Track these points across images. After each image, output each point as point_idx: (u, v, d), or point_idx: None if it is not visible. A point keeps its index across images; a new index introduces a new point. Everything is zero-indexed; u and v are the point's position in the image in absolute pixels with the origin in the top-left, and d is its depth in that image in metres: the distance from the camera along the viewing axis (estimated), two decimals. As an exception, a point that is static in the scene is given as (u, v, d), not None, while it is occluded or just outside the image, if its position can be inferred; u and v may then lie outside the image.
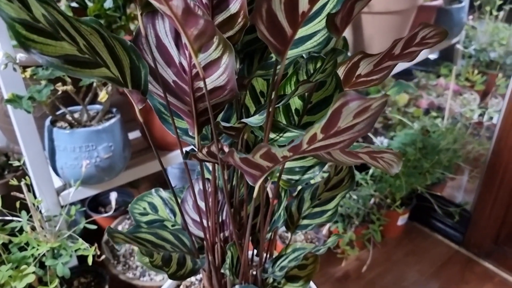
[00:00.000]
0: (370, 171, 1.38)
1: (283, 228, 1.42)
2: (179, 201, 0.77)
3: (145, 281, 1.20)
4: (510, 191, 1.31)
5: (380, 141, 1.60)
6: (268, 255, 0.84)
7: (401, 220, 1.52)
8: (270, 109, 0.53)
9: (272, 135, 0.58)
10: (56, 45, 0.42)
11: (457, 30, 2.06)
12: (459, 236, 1.50)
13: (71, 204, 1.11)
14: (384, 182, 1.35)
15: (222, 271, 0.69)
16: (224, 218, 0.76)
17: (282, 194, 0.77)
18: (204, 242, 0.72)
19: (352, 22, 1.51)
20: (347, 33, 1.57)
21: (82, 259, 1.08)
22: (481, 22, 2.36)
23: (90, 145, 1.05)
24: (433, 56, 2.45)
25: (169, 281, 0.94)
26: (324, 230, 1.38)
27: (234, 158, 0.45)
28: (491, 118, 1.80)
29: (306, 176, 0.69)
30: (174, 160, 1.30)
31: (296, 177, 0.70)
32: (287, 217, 0.78)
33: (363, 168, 1.42)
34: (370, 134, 1.50)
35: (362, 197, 1.35)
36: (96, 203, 1.54)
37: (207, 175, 0.79)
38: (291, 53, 0.55)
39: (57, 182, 1.13)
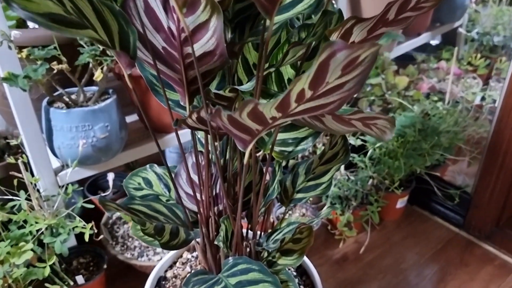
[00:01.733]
0: (369, 153, 1.38)
1: (280, 210, 1.42)
2: (173, 175, 0.78)
3: (143, 261, 1.21)
4: (511, 173, 1.31)
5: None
6: (263, 230, 0.84)
7: (400, 203, 1.52)
8: (260, 74, 0.52)
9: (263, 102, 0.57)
10: (40, 3, 0.42)
11: (460, 13, 2.04)
12: (459, 219, 1.50)
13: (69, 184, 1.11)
14: (383, 164, 1.34)
15: (215, 243, 0.70)
16: (217, 191, 0.76)
17: (276, 168, 0.77)
18: (198, 216, 0.73)
19: None
20: (344, 5, 1.55)
21: (81, 240, 1.09)
22: (484, 6, 2.34)
23: (87, 125, 1.06)
24: (435, 42, 2.43)
25: (166, 258, 0.94)
26: (323, 210, 1.38)
27: (222, 118, 0.45)
28: (494, 101, 1.79)
29: (299, 148, 0.69)
30: (171, 142, 1.30)
31: (289, 148, 0.70)
32: (281, 191, 0.78)
33: (361, 149, 1.42)
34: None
35: (360, 179, 1.35)
36: (95, 187, 1.55)
37: (200, 149, 0.79)
38: (282, 17, 0.54)
39: (55, 163, 1.14)
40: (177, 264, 0.95)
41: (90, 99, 1.12)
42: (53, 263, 1.08)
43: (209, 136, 0.69)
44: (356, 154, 1.42)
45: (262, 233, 0.83)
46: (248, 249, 0.78)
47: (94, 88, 1.17)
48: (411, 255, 1.42)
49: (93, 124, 1.06)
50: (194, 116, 0.53)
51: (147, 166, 0.85)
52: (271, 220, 0.90)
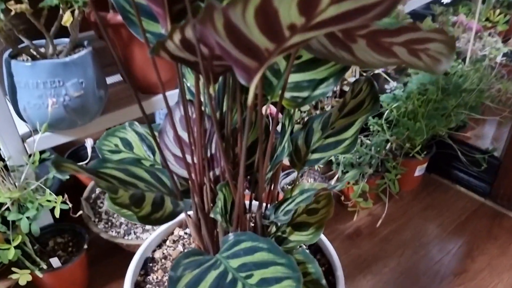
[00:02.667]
0: (385, 115, 1.24)
1: (285, 181, 1.29)
2: (157, 134, 0.63)
3: (130, 240, 1.08)
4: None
5: (392, 87, 1.44)
6: (269, 201, 0.70)
7: (419, 171, 1.38)
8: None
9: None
10: None
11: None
12: (485, 187, 1.37)
13: (41, 152, 0.97)
14: (401, 126, 1.20)
15: (211, 215, 0.56)
16: (213, 152, 0.62)
17: (286, 122, 0.63)
18: (189, 183, 0.59)
19: None
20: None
21: (59, 217, 0.95)
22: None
23: (56, 81, 0.91)
24: (448, -2, 2.26)
25: (153, 236, 0.81)
26: (333, 181, 1.24)
27: (216, 25, 0.30)
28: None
29: (317, 92, 0.55)
30: (159, 104, 1.15)
31: (304, 93, 0.55)
32: (292, 151, 0.64)
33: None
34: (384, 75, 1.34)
35: (375, 143, 1.21)
36: (77, 159, 1.41)
37: (190, 98, 0.65)
38: None
39: (23, 128, 0.99)
40: (167, 242, 0.82)
41: (61, 53, 0.96)
42: (24, 244, 0.95)
43: (200, 78, 0.54)
44: (371, 117, 1.27)
45: (269, 204, 0.70)
46: (252, 223, 0.65)
47: (67, 40, 1.01)
48: (432, 228, 1.29)
49: (64, 80, 0.91)
50: (177, 37, 0.38)
51: (126, 124, 0.70)
52: (278, 191, 0.76)
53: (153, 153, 0.68)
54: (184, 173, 0.63)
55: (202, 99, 0.62)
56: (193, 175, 0.62)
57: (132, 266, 0.75)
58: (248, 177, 0.69)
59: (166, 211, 0.53)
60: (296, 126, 1.27)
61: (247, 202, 0.75)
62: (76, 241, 1.07)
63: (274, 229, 0.68)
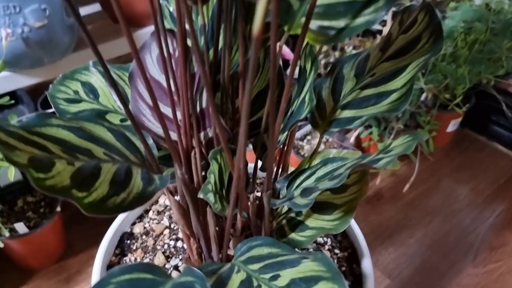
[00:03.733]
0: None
1: (297, 134, 1.13)
2: (128, 77, 0.47)
3: (112, 202, 0.94)
4: None
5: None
6: (280, 170, 0.55)
7: (452, 126, 1.22)
8: None
9: None
10: None
11: None
12: (529, 146, 1.21)
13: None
14: (439, 72, 1.02)
15: (200, 195, 0.41)
16: (204, 105, 0.46)
17: (308, 65, 0.46)
18: (169, 147, 0.43)
19: None
20: None
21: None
22: None
23: (11, 7, 0.73)
24: None
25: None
26: (352, 138, 1.08)
27: None
28: None
29: (360, 20, 0.37)
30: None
31: (340, 22, 0.38)
32: (314, 106, 0.47)
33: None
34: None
35: (407, 92, 1.03)
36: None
37: (171, 27, 0.47)
38: None
39: (-23, 65, 0.82)
40: (150, 214, 0.67)
41: (19, -31, 0.77)
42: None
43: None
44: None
45: (279, 170, 0.54)
46: (255, 199, 0.50)
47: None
48: (465, 192, 1.14)
49: (21, 5, 0.73)
50: None
51: (90, 63, 0.53)
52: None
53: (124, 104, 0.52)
54: (162, 133, 0.47)
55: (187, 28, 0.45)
56: (176, 136, 0.46)
57: (105, 243, 0.61)
58: (252, 140, 0.53)
59: (132, 192, 0.38)
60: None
61: (250, 165, 0.59)
62: (49, 200, 0.94)
63: (285, 208, 0.53)
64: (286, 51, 0.95)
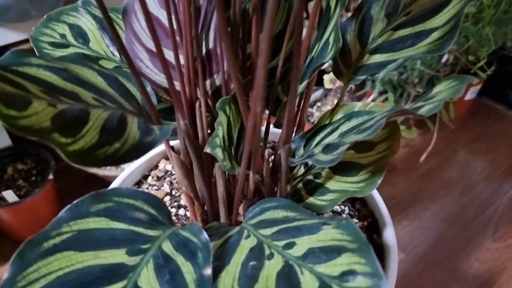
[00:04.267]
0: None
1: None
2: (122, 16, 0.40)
3: (108, 169, 0.89)
4: None
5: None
6: (296, 128, 0.49)
7: (471, 93, 1.16)
8: None
9: None
10: None
11: None
12: (552, 116, 1.15)
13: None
14: (461, 33, 0.95)
15: (207, 150, 0.35)
16: (211, 47, 0.40)
17: (332, 0, 0.40)
18: (171, 96, 0.37)
19: None
20: None
21: (18, 139, 0.75)
22: None
23: None
24: None
25: (129, 170, 0.61)
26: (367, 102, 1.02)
27: None
28: None
29: None
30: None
31: None
32: (340, 47, 0.41)
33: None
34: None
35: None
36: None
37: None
38: None
39: (-42, 19, 0.76)
40: (149, 179, 0.62)
41: None
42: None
43: None
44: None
45: (297, 127, 0.49)
46: (271, 164, 0.44)
47: None
48: (483, 164, 1.09)
49: None
50: None
51: (79, 3, 0.47)
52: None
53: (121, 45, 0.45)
54: (163, 80, 0.41)
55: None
56: (178, 85, 0.40)
57: (99, 211, 0.56)
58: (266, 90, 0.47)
59: (127, 142, 0.32)
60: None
61: (262, 129, 0.53)
62: (41, 168, 0.88)
63: (301, 170, 0.47)
64: None
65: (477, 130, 1.19)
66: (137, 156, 0.31)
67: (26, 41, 0.82)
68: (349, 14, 0.86)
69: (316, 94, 1.07)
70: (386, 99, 0.99)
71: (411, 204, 0.99)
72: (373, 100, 1.02)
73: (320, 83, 1.06)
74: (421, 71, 0.96)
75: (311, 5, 1.05)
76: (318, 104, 1.06)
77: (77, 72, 0.36)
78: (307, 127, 0.97)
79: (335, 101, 1.06)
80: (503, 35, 0.95)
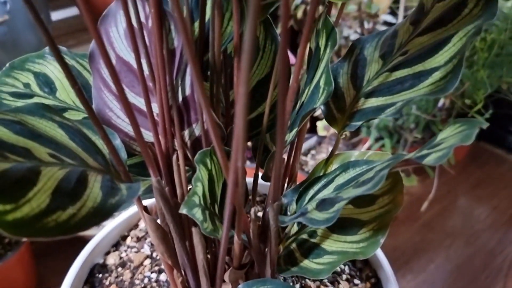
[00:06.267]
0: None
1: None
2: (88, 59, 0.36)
3: (88, 229, 0.82)
4: None
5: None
6: (287, 180, 0.45)
7: (468, 138, 1.12)
8: None
9: None
10: None
11: None
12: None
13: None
14: (455, 77, 0.93)
15: (183, 211, 0.30)
16: (188, 93, 0.35)
17: (322, 40, 0.36)
18: (141, 149, 0.32)
19: None
20: None
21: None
22: None
23: (-34, -2, 0.63)
24: None
25: (106, 230, 0.55)
26: (363, 149, 0.98)
27: None
28: None
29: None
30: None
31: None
32: (332, 91, 0.37)
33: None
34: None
35: (422, 100, 0.94)
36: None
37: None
38: None
39: None
40: (128, 240, 0.56)
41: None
42: None
43: None
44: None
45: (288, 180, 0.44)
46: (257, 217, 0.39)
47: None
48: (486, 211, 1.04)
49: (-22, -2, 0.64)
50: None
51: (46, 50, 0.43)
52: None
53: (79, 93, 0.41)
54: (131, 130, 0.36)
55: (165, -9, 0.35)
56: (151, 136, 0.35)
57: (70, 278, 0.50)
58: (251, 143, 0.43)
59: (86, 205, 0.27)
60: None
61: (248, 181, 0.48)
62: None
63: (295, 228, 0.42)
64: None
65: (478, 175, 1.14)
66: (96, 222, 0.26)
67: None
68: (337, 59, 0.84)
69: (310, 141, 1.03)
70: (383, 145, 0.96)
71: (415, 256, 0.93)
72: (369, 147, 0.98)
73: (313, 130, 1.02)
74: (417, 116, 0.93)
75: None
76: (312, 152, 1.02)
77: (33, 124, 0.31)
78: (301, 177, 0.93)
79: (330, 149, 1.02)
80: (498, 78, 0.92)
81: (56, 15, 0.97)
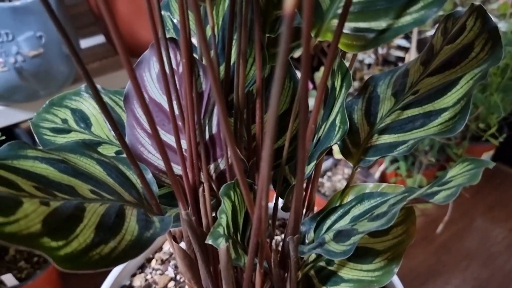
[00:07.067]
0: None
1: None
2: (123, 100, 0.40)
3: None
4: None
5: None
6: (304, 209, 0.47)
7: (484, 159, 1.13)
8: None
9: None
10: None
11: None
12: None
13: (-9, 133, 0.75)
14: (469, 101, 0.95)
15: (209, 241, 0.33)
16: (214, 131, 0.38)
17: (337, 81, 0.39)
18: (171, 182, 0.35)
19: None
20: None
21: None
22: None
23: (3, 34, 0.68)
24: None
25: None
26: (377, 173, 1.00)
27: None
28: None
29: (406, 20, 0.30)
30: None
31: (380, 23, 0.31)
32: (347, 129, 0.40)
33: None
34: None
35: (435, 123, 0.96)
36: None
37: (173, 36, 0.41)
38: None
39: (-31, 100, 0.77)
40: (153, 263, 0.59)
41: (16, -2, 0.73)
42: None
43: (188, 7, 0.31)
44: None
45: (305, 208, 0.46)
46: (276, 245, 0.42)
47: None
48: (503, 232, 1.04)
49: (14, 33, 0.68)
50: None
51: (82, 88, 0.47)
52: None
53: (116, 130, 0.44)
54: (163, 165, 0.39)
55: (194, 41, 0.39)
56: (180, 169, 0.38)
57: (99, 300, 0.53)
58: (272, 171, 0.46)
59: (125, 238, 0.30)
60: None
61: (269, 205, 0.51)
62: (44, 248, 0.86)
63: (312, 255, 0.44)
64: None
65: (494, 196, 1.15)
66: (134, 256, 0.29)
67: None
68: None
69: (326, 163, 1.05)
70: (398, 168, 0.97)
71: (431, 277, 0.94)
72: (384, 170, 1.00)
73: (329, 152, 1.04)
74: (432, 139, 0.95)
75: (316, 76, 1.06)
76: (329, 174, 1.04)
77: (75, 162, 0.35)
78: (318, 199, 0.95)
79: (345, 171, 1.04)
80: (511, 101, 0.94)
81: (84, 43, 1.02)
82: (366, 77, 1.08)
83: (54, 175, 0.32)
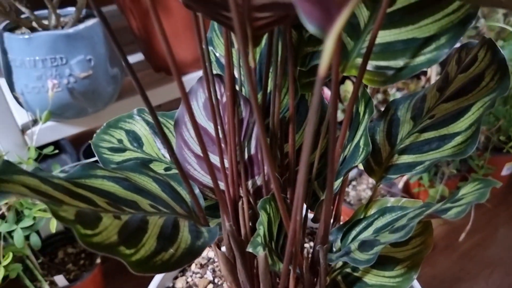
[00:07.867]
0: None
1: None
2: (174, 124, 0.45)
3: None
4: None
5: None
6: (332, 220, 0.52)
7: (507, 169, 1.15)
8: None
9: None
10: None
11: None
12: None
13: (44, 146, 0.82)
14: (490, 114, 0.97)
15: (249, 249, 0.38)
16: (253, 152, 0.44)
17: (361, 107, 0.44)
18: (217, 196, 0.40)
19: None
20: None
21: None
22: None
23: (58, 58, 0.75)
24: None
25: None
26: (401, 183, 1.03)
27: None
28: None
29: (420, 59, 0.35)
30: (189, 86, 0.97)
31: (398, 61, 0.36)
32: (370, 151, 0.44)
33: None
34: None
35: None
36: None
37: (218, 72, 0.46)
38: None
39: (24, 117, 0.84)
40: (193, 267, 0.64)
41: (67, 24, 0.80)
42: (27, 258, 0.81)
43: (233, 39, 0.36)
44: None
45: (332, 220, 0.51)
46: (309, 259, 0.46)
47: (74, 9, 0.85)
48: (526, 242, 1.06)
49: (68, 57, 0.75)
50: None
51: (134, 111, 0.53)
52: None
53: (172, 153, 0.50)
54: (209, 181, 0.45)
55: (236, 74, 0.44)
56: (222, 185, 0.44)
57: (146, 299, 0.58)
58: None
59: (180, 247, 0.35)
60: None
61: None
62: (89, 252, 0.92)
63: (339, 262, 0.49)
64: (327, 94, 0.93)
65: (517, 206, 1.16)
66: (189, 261, 0.35)
67: (80, 133, 0.89)
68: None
69: (351, 173, 1.09)
70: (421, 178, 1.01)
71: (454, 284, 0.96)
72: (407, 180, 1.03)
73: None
74: (454, 150, 0.98)
75: (342, 89, 1.10)
76: (353, 183, 1.08)
77: (135, 180, 0.40)
78: (344, 208, 0.99)
79: (370, 180, 1.08)
80: (534, 114, 0.96)
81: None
82: (389, 89, 1.12)
83: (120, 191, 0.37)
